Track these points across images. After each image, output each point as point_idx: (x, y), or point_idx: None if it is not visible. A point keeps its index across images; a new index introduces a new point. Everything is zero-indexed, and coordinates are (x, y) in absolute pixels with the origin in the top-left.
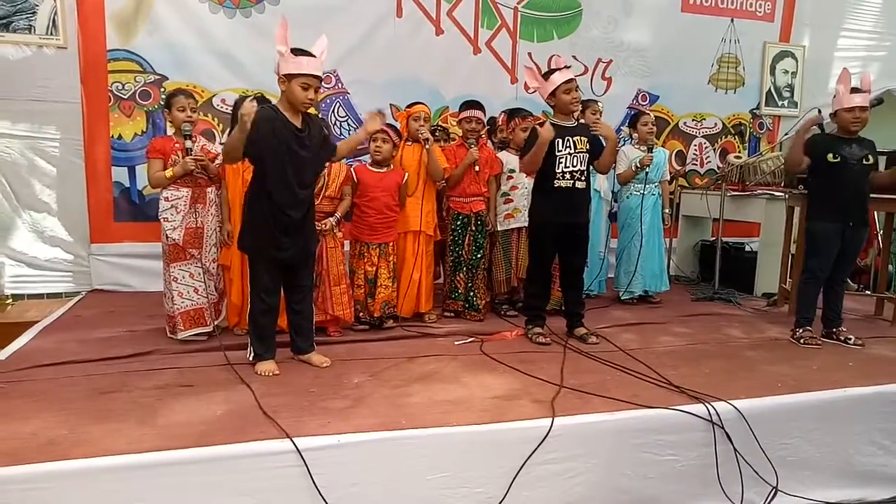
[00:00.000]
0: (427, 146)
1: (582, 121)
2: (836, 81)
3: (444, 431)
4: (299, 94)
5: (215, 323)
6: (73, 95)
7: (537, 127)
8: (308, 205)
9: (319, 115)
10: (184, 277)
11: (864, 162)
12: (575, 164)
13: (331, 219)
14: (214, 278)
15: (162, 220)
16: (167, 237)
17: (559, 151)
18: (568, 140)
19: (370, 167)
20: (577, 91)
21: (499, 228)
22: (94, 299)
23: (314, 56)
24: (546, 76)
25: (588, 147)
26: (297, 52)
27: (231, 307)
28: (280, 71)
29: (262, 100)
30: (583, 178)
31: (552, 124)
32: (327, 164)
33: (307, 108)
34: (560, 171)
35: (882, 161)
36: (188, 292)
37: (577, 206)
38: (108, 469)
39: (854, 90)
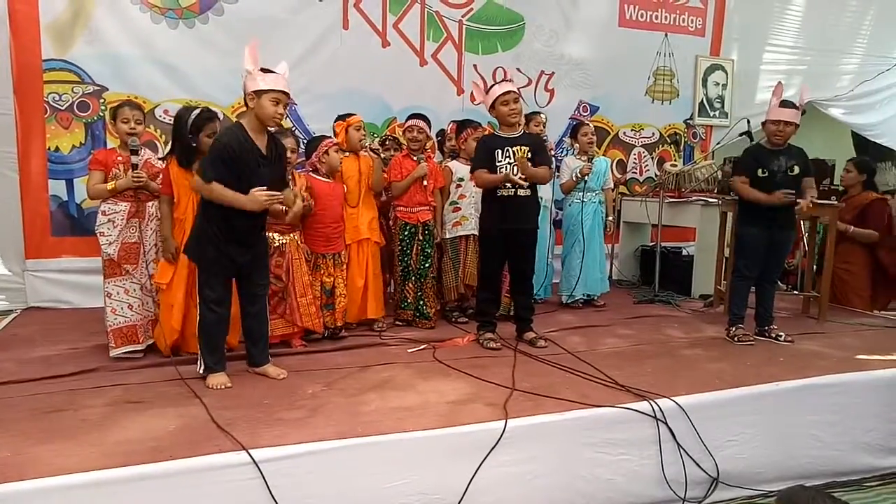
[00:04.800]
0: (382, 154)
1: (527, 131)
2: (771, 93)
3: (399, 438)
4: (270, 109)
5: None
6: (5, 107)
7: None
8: (264, 222)
9: (292, 130)
10: (118, 293)
11: (790, 173)
12: (515, 172)
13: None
14: (152, 295)
15: (98, 235)
16: (104, 251)
17: (499, 161)
18: (507, 150)
19: (319, 177)
20: (515, 103)
21: (447, 236)
22: (31, 317)
23: (280, 74)
24: (489, 90)
25: (529, 156)
26: (265, 70)
27: (168, 331)
28: (248, 89)
29: (207, 112)
30: (525, 186)
31: (494, 136)
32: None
33: (277, 122)
34: None
35: None
36: (122, 309)
37: (522, 212)
38: (57, 489)
39: (784, 104)
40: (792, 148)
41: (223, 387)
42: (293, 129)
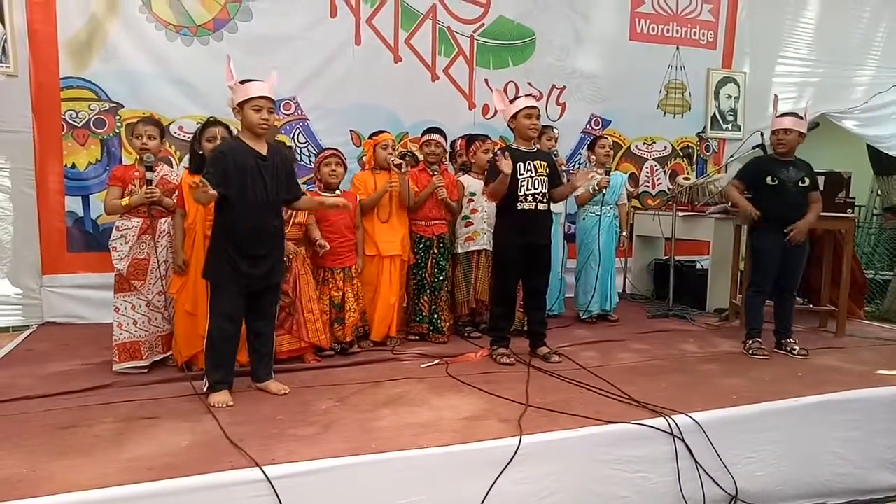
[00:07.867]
0: (403, 170)
1: (538, 146)
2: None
3: (414, 454)
4: (253, 117)
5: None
6: (24, 124)
7: (497, 155)
8: (277, 233)
9: (290, 147)
10: (125, 309)
11: (801, 183)
12: (537, 186)
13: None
14: (161, 311)
15: (111, 250)
16: (115, 267)
17: (521, 175)
18: (529, 164)
19: (322, 192)
20: (538, 119)
21: (459, 251)
22: (46, 332)
23: (262, 80)
24: (512, 101)
25: (548, 171)
26: (245, 81)
27: (185, 341)
28: (233, 103)
29: (209, 120)
30: (544, 200)
31: (511, 149)
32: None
33: (264, 129)
34: (523, 193)
35: (820, 181)
36: (127, 324)
37: (540, 227)
38: None
39: (786, 114)
40: (798, 161)
41: (225, 405)
42: (307, 144)
